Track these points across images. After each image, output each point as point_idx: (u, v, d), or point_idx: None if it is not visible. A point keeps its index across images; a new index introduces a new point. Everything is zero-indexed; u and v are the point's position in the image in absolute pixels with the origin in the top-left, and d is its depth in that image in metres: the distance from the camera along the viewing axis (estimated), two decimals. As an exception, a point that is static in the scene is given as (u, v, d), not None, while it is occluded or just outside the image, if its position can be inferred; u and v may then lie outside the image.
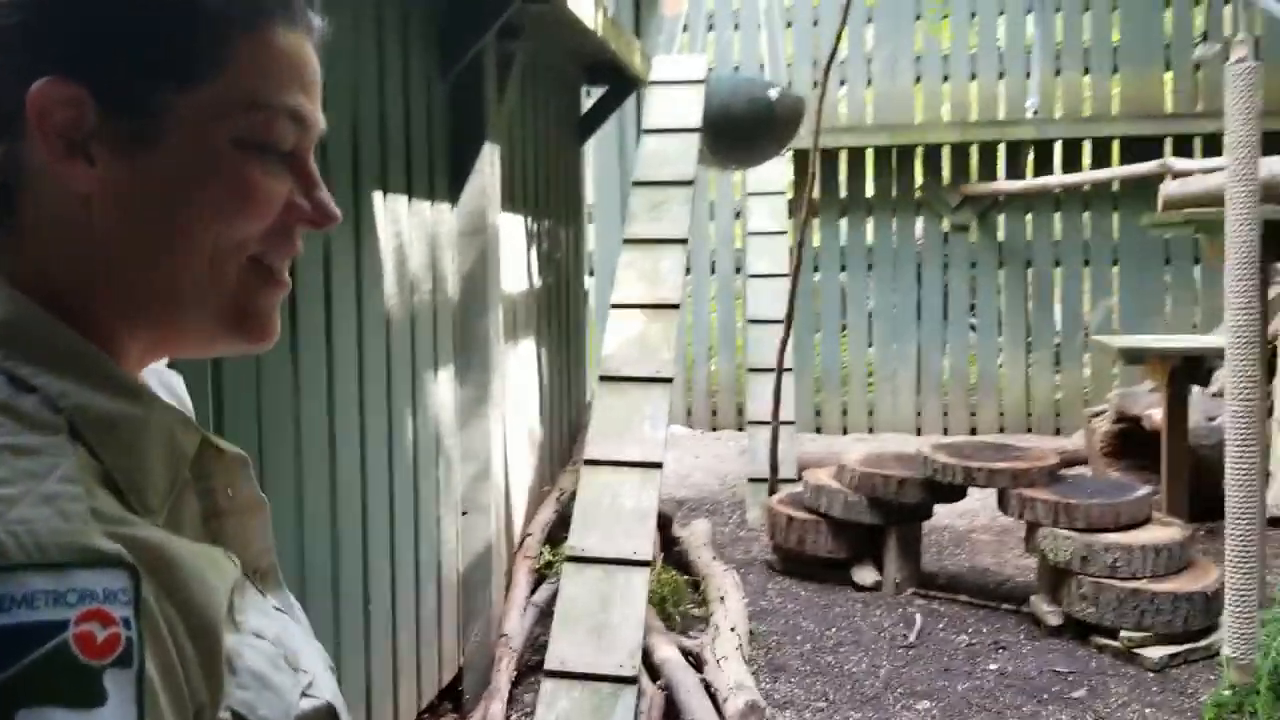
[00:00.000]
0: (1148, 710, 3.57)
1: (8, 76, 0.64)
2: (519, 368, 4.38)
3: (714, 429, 8.53)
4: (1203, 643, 3.92)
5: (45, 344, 0.63)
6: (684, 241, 4.10)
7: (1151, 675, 3.82)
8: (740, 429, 8.24)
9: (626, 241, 4.16)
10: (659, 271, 4.04)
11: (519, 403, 4.36)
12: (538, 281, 4.74)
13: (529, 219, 4.58)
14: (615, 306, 3.99)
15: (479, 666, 3.56)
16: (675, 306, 3.96)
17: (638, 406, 3.73)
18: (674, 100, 4.53)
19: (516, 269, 4.35)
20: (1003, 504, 4.46)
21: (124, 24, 0.65)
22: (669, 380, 3.79)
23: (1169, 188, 3.78)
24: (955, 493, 4.67)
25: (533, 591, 4.03)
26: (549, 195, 4.95)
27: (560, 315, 5.20)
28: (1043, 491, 4.29)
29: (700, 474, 7.02)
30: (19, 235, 0.65)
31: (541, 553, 4.22)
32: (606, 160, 7.41)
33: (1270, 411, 5.30)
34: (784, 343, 5.79)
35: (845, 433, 8.26)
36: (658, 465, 3.57)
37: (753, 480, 5.97)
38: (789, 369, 5.95)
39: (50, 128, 0.63)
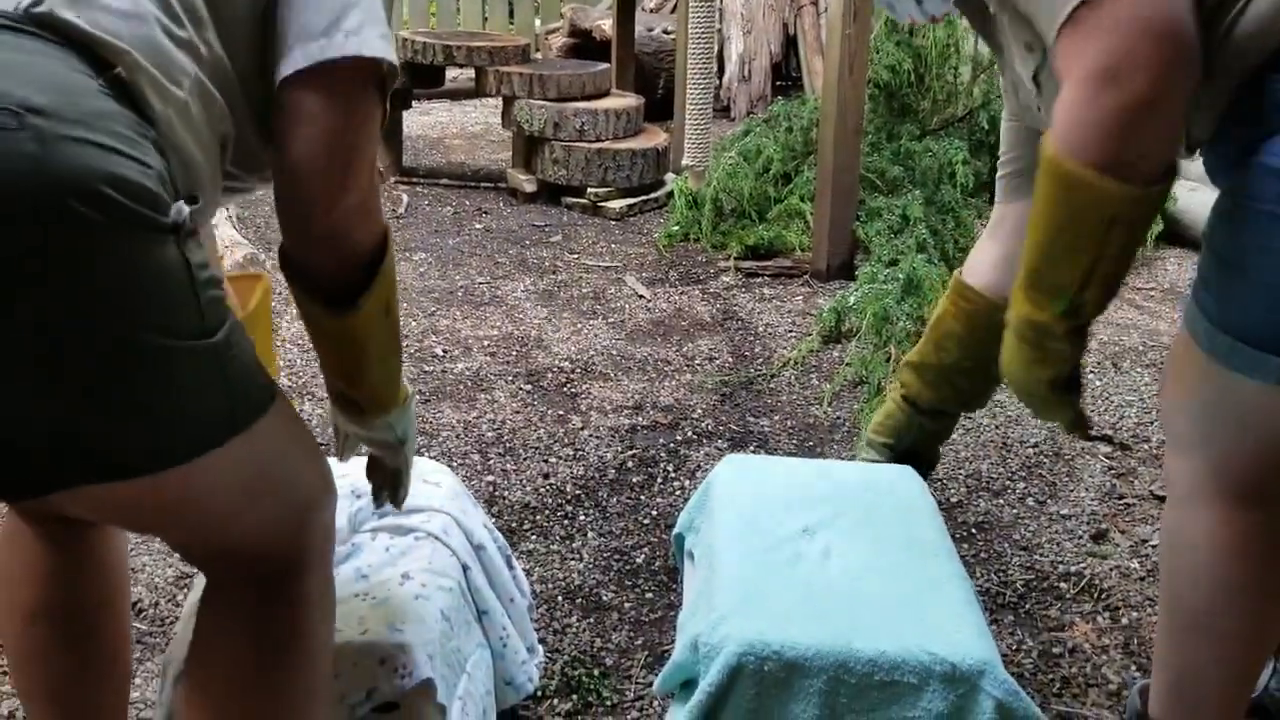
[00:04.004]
0: (613, 246, 4.04)
1: None
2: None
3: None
4: (654, 194, 4.47)
5: None
6: None
7: (614, 222, 4.31)
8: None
9: None
10: None
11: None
12: None
13: None
14: None
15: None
16: None
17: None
18: None
19: None
20: (480, 83, 4.61)
21: None
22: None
23: None
24: (435, 76, 4.74)
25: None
26: None
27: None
28: (518, 67, 4.49)
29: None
30: None
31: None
32: None
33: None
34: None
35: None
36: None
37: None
38: None
39: None
